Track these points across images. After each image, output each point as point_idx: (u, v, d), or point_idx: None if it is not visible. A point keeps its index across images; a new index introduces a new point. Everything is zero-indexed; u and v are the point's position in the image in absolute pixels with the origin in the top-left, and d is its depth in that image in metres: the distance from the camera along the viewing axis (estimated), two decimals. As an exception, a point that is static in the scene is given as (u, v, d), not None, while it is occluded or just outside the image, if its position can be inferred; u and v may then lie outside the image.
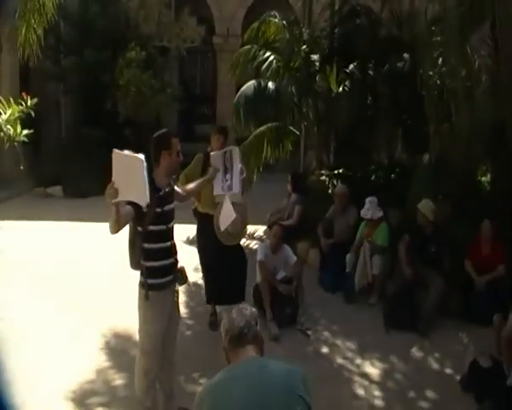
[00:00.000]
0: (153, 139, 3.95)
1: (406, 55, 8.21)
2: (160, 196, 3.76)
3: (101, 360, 5.11)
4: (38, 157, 12.80)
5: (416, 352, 5.49)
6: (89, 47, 12.13)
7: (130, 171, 3.28)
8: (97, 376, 4.85)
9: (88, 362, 5.05)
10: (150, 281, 3.75)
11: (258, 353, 2.47)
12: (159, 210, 3.72)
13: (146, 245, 3.72)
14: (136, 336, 5.45)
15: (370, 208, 6.75)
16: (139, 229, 3.70)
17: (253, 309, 2.59)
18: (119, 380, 4.80)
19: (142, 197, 3.38)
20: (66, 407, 4.41)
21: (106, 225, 9.61)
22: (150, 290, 3.75)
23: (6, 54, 12.09)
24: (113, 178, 3.24)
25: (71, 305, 6.30)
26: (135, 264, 3.84)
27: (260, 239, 8.78)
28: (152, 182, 3.65)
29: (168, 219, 3.85)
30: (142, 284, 3.78)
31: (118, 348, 5.36)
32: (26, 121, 9.23)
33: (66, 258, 7.90)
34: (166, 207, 3.81)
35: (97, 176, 11.68)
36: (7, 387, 1.80)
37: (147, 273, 3.75)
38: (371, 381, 4.93)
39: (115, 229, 3.42)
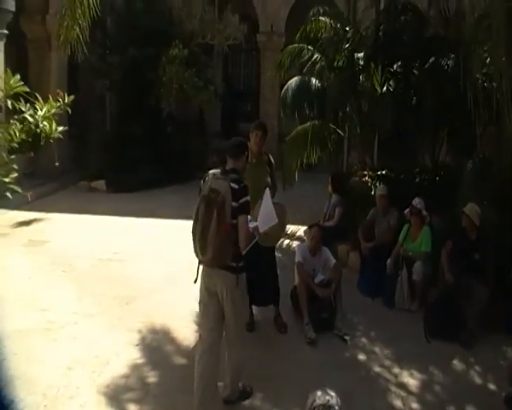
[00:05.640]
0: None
1: (453, 55, 7.94)
2: None
3: (136, 356, 5.13)
4: (84, 152, 13.09)
5: (457, 364, 5.28)
6: (133, 44, 12.29)
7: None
8: (131, 371, 4.86)
9: (123, 357, 5.08)
10: (241, 264, 4.15)
11: None
12: None
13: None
14: (173, 334, 5.57)
15: (419, 204, 6.63)
16: (235, 221, 3.98)
17: (339, 400, 2.72)
18: (152, 377, 4.80)
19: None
20: (98, 400, 4.43)
21: (146, 221, 9.72)
22: (241, 273, 4.15)
23: (55, 51, 12.40)
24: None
25: (109, 298, 6.38)
26: (226, 257, 4.04)
27: (301, 240, 8.68)
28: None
29: None
30: (235, 270, 4.10)
31: (153, 345, 5.37)
32: (72, 117, 9.54)
33: (106, 251, 8.01)
34: None
35: (139, 171, 12.00)
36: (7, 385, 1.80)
37: (240, 259, 4.12)
38: (409, 392, 4.76)
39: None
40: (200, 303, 4.31)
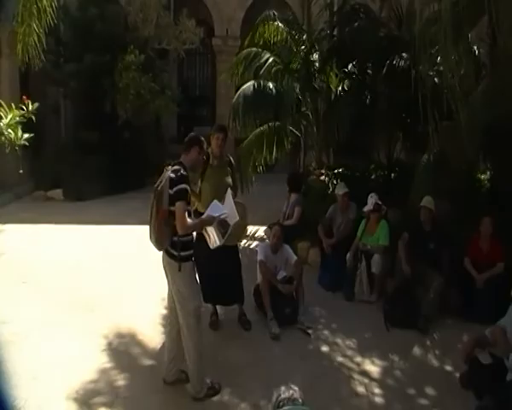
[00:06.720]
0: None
1: (405, 55, 8.21)
2: None
3: (104, 361, 5.13)
4: (39, 161, 12.85)
5: (415, 349, 5.51)
6: (88, 50, 12.16)
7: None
8: (100, 376, 4.86)
9: (90, 362, 5.07)
10: (183, 253, 4.31)
11: None
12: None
13: None
14: (139, 337, 5.59)
15: (374, 197, 6.87)
16: (173, 208, 4.22)
17: (302, 393, 2.90)
18: (121, 380, 4.82)
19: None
20: (68, 406, 4.42)
21: (105, 228, 9.59)
22: (183, 262, 4.30)
23: (5, 58, 12.18)
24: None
25: (72, 306, 6.34)
26: (165, 242, 4.28)
27: (261, 239, 8.80)
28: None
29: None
30: (175, 257, 4.30)
31: (120, 349, 5.39)
32: (26, 125, 9.41)
33: (67, 260, 7.94)
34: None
35: (97, 179, 11.89)
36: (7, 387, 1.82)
37: (181, 247, 4.29)
38: (371, 378, 4.94)
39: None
40: None
